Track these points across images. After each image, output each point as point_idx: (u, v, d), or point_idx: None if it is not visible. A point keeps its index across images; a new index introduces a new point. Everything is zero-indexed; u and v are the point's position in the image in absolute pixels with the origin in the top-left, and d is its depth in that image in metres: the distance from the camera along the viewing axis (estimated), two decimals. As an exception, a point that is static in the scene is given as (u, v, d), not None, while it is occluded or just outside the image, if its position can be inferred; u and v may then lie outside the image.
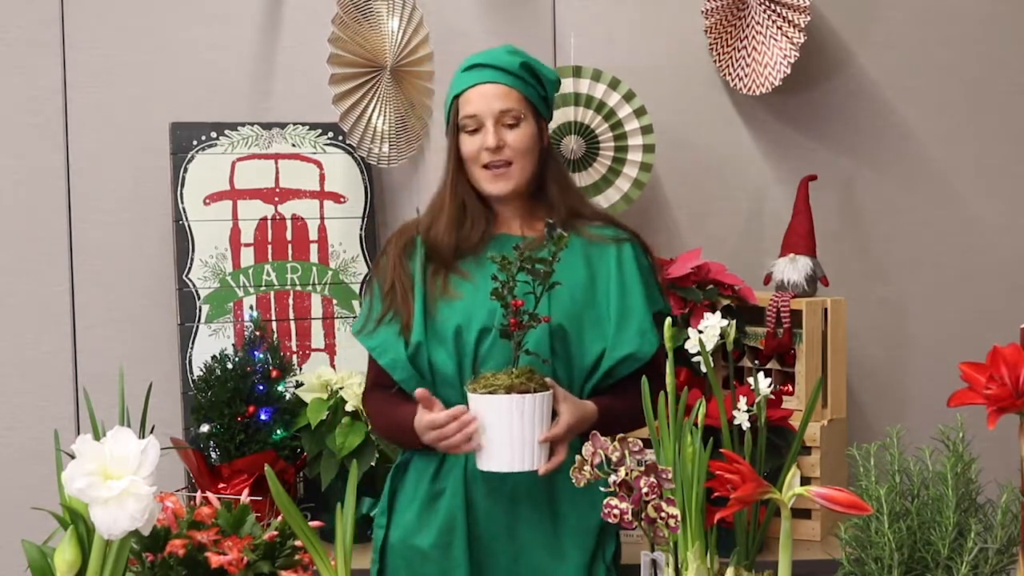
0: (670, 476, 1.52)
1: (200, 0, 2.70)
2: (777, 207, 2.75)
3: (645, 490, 1.50)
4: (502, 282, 1.74)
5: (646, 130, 2.60)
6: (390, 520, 1.98)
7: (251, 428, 2.37)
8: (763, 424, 1.95)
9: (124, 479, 1.26)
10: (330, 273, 2.65)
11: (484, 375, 1.78)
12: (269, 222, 2.62)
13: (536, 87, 1.98)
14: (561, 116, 2.58)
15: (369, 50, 2.54)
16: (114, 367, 2.31)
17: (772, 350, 2.40)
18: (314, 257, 2.64)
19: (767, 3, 2.61)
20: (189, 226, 2.58)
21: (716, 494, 1.42)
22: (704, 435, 1.77)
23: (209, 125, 2.61)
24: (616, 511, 1.50)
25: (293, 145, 2.64)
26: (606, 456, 1.54)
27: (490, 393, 1.74)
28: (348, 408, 2.34)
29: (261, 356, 2.43)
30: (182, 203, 2.58)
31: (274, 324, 2.61)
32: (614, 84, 2.59)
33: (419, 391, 1.83)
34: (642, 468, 1.51)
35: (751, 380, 2.02)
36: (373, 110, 2.56)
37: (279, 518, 1.51)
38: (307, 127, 2.65)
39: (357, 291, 2.65)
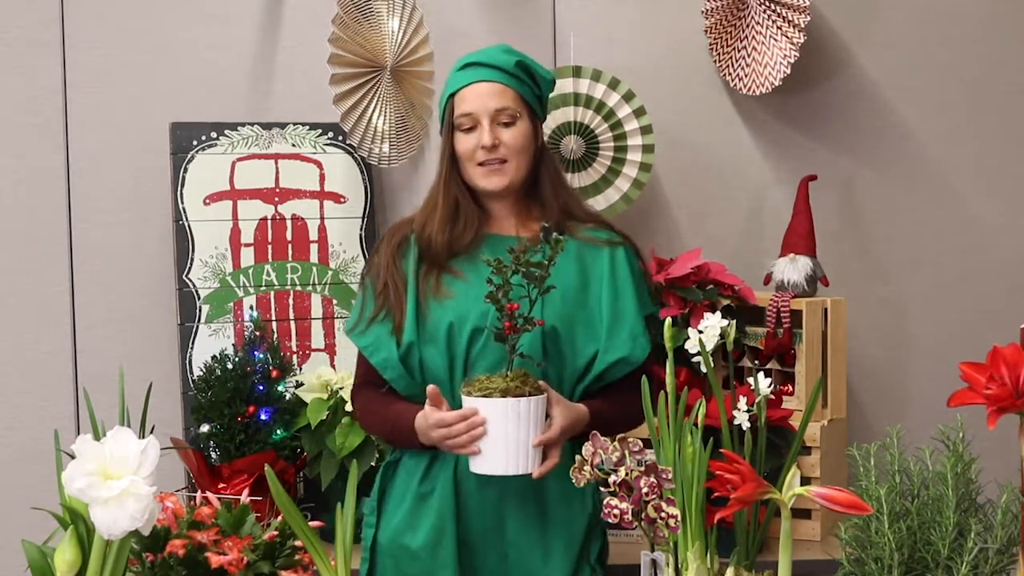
0: (670, 476, 1.52)
1: (200, 0, 2.70)
2: (777, 207, 2.75)
3: (645, 490, 1.50)
4: (497, 285, 1.74)
5: (646, 130, 2.60)
6: (379, 520, 1.98)
7: (251, 428, 2.37)
8: (763, 424, 1.95)
9: (124, 479, 1.26)
10: (330, 273, 2.65)
11: (478, 378, 1.78)
12: (269, 222, 2.62)
13: (532, 86, 1.98)
14: (561, 116, 2.58)
15: (369, 50, 2.54)
16: (114, 367, 2.31)
17: (772, 350, 2.40)
18: (314, 257, 2.65)
19: (767, 3, 2.61)
20: (189, 226, 2.58)
21: (716, 494, 1.42)
22: (704, 435, 1.77)
23: (209, 125, 2.61)
24: (616, 511, 1.51)
25: (293, 145, 2.65)
26: (606, 456, 1.54)
27: (485, 396, 1.73)
28: (348, 408, 2.34)
29: (261, 356, 2.43)
30: (182, 203, 2.58)
31: (274, 324, 2.61)
32: (614, 84, 2.59)
33: (431, 388, 1.82)
34: (642, 468, 1.51)
35: (751, 380, 2.02)
36: (373, 110, 2.56)
37: (279, 518, 1.51)
38: (307, 127, 2.65)
39: (357, 291, 2.65)
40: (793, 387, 2.39)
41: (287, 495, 1.42)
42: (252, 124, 2.63)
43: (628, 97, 2.59)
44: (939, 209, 2.82)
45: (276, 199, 2.63)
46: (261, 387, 2.40)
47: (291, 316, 2.63)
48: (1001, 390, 1.33)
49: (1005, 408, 1.33)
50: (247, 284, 2.60)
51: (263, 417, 2.38)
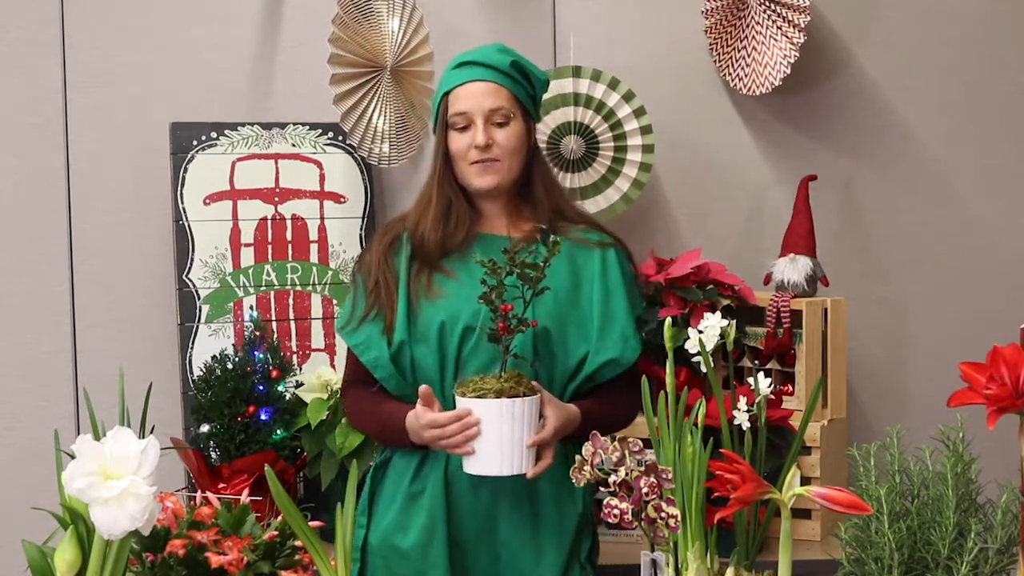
0: (670, 476, 1.52)
1: (200, 0, 2.70)
2: (777, 207, 2.75)
3: (645, 490, 1.50)
4: (491, 286, 1.73)
5: (645, 130, 2.60)
6: (370, 520, 1.98)
7: (251, 428, 2.37)
8: (763, 424, 1.95)
9: (124, 479, 1.26)
10: (330, 273, 2.65)
11: (472, 379, 1.78)
12: (269, 222, 2.62)
13: (526, 86, 1.98)
14: (561, 116, 2.58)
15: (369, 50, 2.54)
16: (114, 367, 2.31)
17: (772, 350, 2.40)
18: (314, 257, 2.65)
19: (767, 3, 2.61)
20: (189, 226, 2.58)
21: (716, 494, 1.42)
22: (704, 435, 1.77)
23: (209, 125, 2.61)
24: (616, 511, 1.51)
25: (293, 145, 2.65)
26: (606, 456, 1.54)
27: (479, 397, 1.73)
28: (348, 408, 2.34)
29: (261, 356, 2.43)
30: (182, 203, 2.58)
31: (274, 324, 2.61)
32: (614, 84, 2.59)
33: (423, 388, 1.82)
34: (642, 468, 1.51)
35: (751, 380, 2.02)
36: (373, 110, 2.56)
37: (279, 518, 1.51)
38: (307, 127, 2.65)
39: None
40: (793, 387, 2.39)
41: (287, 495, 1.42)
42: (252, 124, 2.63)
43: (628, 97, 2.59)
44: (939, 209, 2.82)
45: (276, 199, 2.63)
46: (261, 387, 2.40)
47: (291, 316, 2.63)
48: (1001, 390, 1.33)
49: (1005, 408, 1.33)
50: (247, 284, 2.61)
51: (263, 417, 2.38)
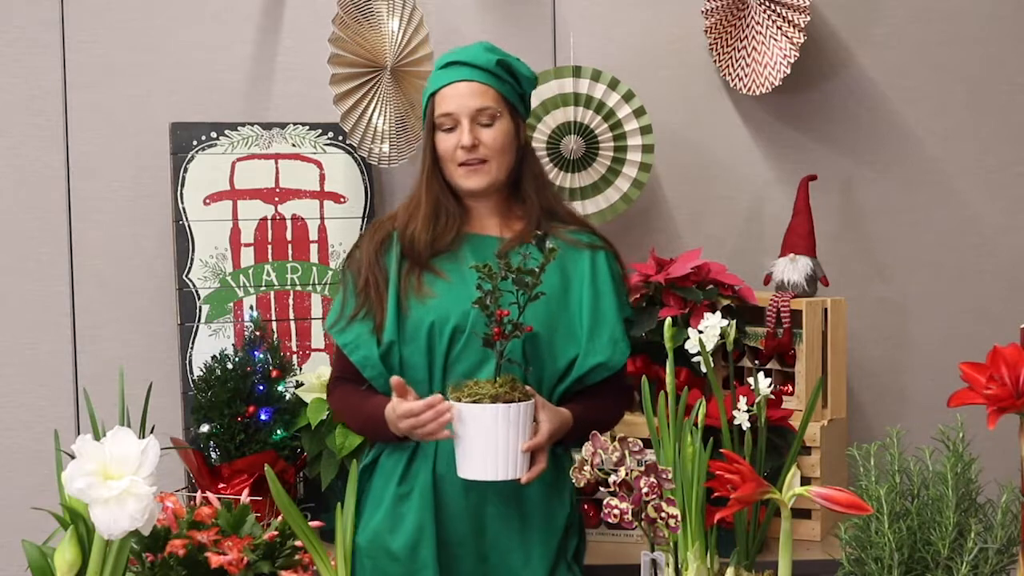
0: (670, 476, 1.52)
1: (200, 0, 2.70)
2: (777, 207, 2.75)
3: (645, 490, 1.50)
4: (486, 291, 1.73)
5: (645, 130, 2.60)
6: (358, 521, 1.97)
7: (251, 428, 2.37)
8: (763, 424, 1.95)
9: (124, 479, 1.26)
10: (330, 273, 2.65)
11: (466, 383, 1.77)
12: (269, 222, 2.62)
13: (513, 85, 1.97)
14: (561, 116, 2.58)
15: (369, 50, 2.54)
16: (114, 367, 2.32)
17: (772, 350, 2.40)
18: (314, 257, 2.65)
19: (767, 3, 2.61)
20: (189, 226, 2.58)
21: (716, 494, 1.42)
22: (704, 435, 1.78)
23: (209, 125, 2.61)
24: (616, 511, 1.51)
25: (293, 145, 2.65)
26: (606, 456, 1.54)
27: (475, 402, 1.73)
28: (348, 408, 2.34)
29: (261, 356, 2.43)
30: (182, 203, 2.58)
31: (274, 324, 2.61)
32: (614, 84, 2.59)
33: (395, 379, 1.81)
34: (642, 468, 1.51)
35: (751, 380, 2.02)
36: (373, 110, 2.56)
37: (279, 518, 1.51)
38: (307, 127, 2.65)
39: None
40: (793, 387, 2.39)
41: (287, 495, 1.42)
42: (252, 124, 2.63)
43: (628, 97, 2.59)
44: (939, 209, 2.82)
45: (276, 199, 2.63)
46: (261, 387, 2.40)
47: (291, 316, 2.63)
48: (1001, 390, 1.33)
49: (1005, 408, 1.33)
50: (247, 284, 2.61)
51: (263, 417, 2.38)
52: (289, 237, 2.63)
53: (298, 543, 1.50)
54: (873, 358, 2.82)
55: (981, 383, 1.35)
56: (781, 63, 2.60)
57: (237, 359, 2.41)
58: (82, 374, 2.69)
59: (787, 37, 2.59)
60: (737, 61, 2.70)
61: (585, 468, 1.56)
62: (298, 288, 2.63)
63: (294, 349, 2.62)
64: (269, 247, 2.62)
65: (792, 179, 2.67)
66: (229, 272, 2.59)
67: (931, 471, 1.60)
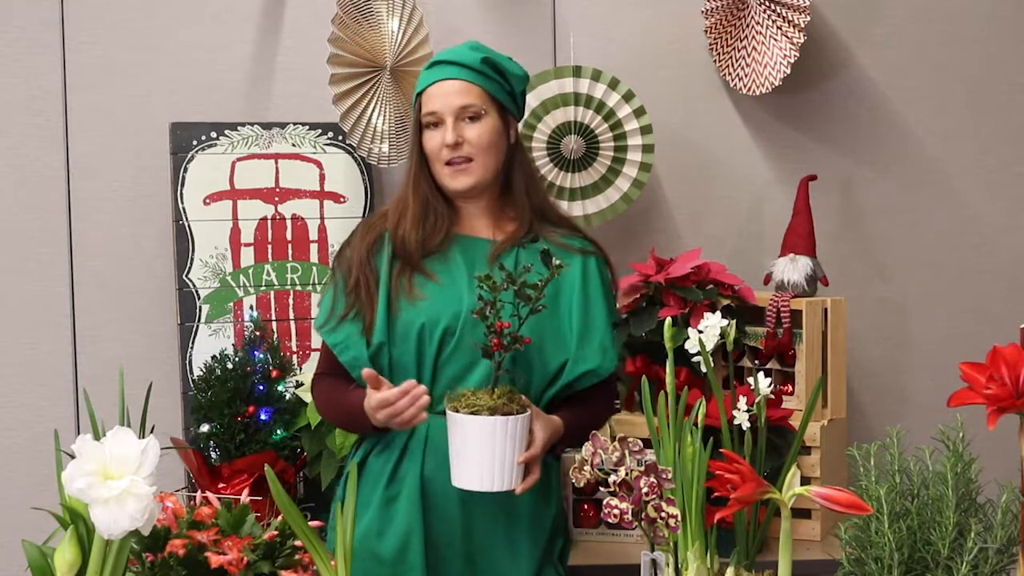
0: (670, 476, 1.52)
1: (200, 0, 2.70)
2: (777, 207, 2.75)
3: (645, 490, 1.50)
4: (486, 302, 1.72)
5: (645, 130, 2.60)
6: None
7: (251, 428, 2.37)
8: (763, 424, 1.95)
9: (124, 479, 1.26)
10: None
11: (464, 393, 1.76)
12: (269, 222, 2.63)
13: (500, 83, 1.96)
14: (561, 116, 2.58)
15: (369, 50, 2.54)
16: (114, 367, 2.32)
17: (772, 350, 2.40)
18: (314, 257, 2.65)
19: (767, 3, 2.61)
20: (189, 226, 2.58)
21: (716, 494, 1.42)
22: (704, 435, 1.77)
23: (209, 125, 2.61)
24: (616, 511, 1.51)
25: (293, 145, 2.65)
26: (606, 456, 1.54)
27: (473, 413, 1.72)
28: (348, 408, 2.34)
29: (261, 356, 2.43)
30: (182, 203, 2.58)
31: (274, 324, 2.61)
32: (614, 84, 2.59)
33: (366, 371, 1.80)
34: (642, 468, 1.51)
35: (751, 380, 2.02)
36: (373, 110, 2.56)
37: (279, 518, 1.50)
38: (307, 127, 2.65)
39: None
40: (793, 387, 2.39)
41: (287, 495, 1.42)
42: (252, 124, 2.63)
43: (628, 97, 2.59)
44: (939, 209, 2.82)
45: (276, 199, 2.63)
46: (261, 387, 2.40)
47: (291, 316, 2.63)
48: (1001, 390, 1.33)
49: (1005, 408, 1.33)
50: (247, 284, 2.61)
51: (263, 417, 2.38)
52: (289, 237, 2.63)
53: (298, 543, 1.50)
54: (873, 358, 2.82)
55: (981, 383, 1.35)
56: (781, 63, 2.60)
57: (237, 359, 2.41)
58: (82, 374, 2.69)
59: (787, 37, 2.59)
60: (737, 61, 2.70)
61: (585, 468, 1.56)
62: (298, 288, 2.63)
63: (294, 349, 2.62)
64: (269, 247, 2.62)
65: (792, 179, 2.67)
66: (229, 272, 2.59)
67: (931, 471, 1.60)
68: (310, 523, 1.46)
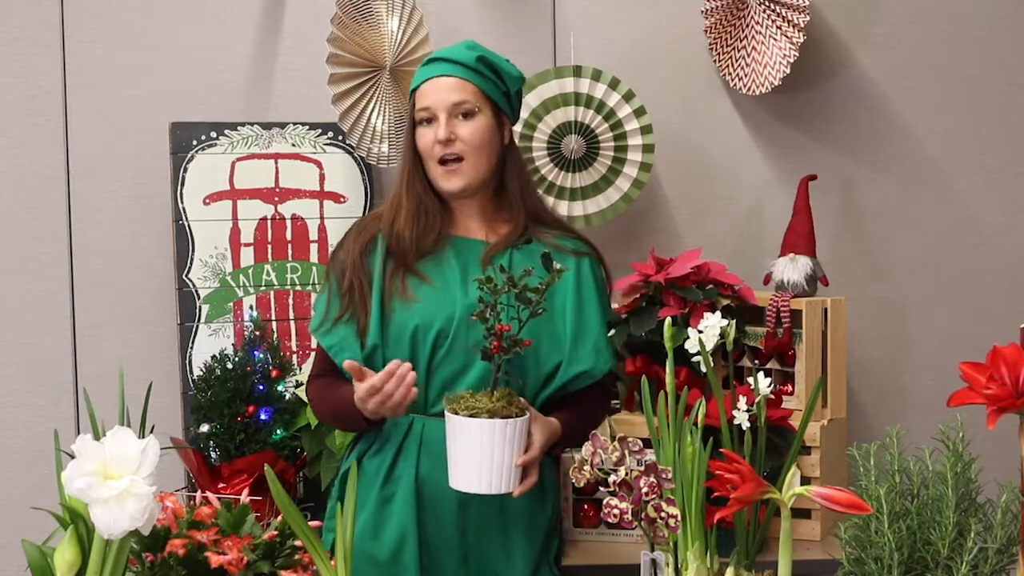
0: (670, 476, 1.52)
1: (200, 0, 2.70)
2: (777, 207, 2.75)
3: (645, 490, 1.50)
4: (487, 304, 1.72)
5: (646, 130, 2.60)
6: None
7: (251, 428, 2.37)
8: (763, 424, 1.95)
9: (124, 479, 1.26)
10: (330, 273, 2.65)
11: (462, 395, 1.75)
12: (269, 222, 2.63)
13: (495, 82, 1.95)
14: (561, 116, 2.58)
15: (368, 50, 2.54)
16: (114, 367, 2.32)
17: (772, 350, 2.40)
18: (314, 257, 2.65)
19: (767, 3, 2.61)
20: (189, 226, 2.58)
21: (716, 494, 1.42)
22: (704, 435, 1.77)
23: (209, 125, 2.61)
24: (616, 511, 1.51)
25: (293, 145, 2.65)
26: (606, 456, 1.54)
27: (472, 416, 1.72)
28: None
29: (261, 356, 2.43)
30: (182, 203, 2.58)
31: (274, 324, 2.61)
32: (614, 84, 2.59)
33: (347, 362, 1.80)
34: (642, 468, 1.51)
35: (751, 380, 2.02)
36: (372, 110, 2.56)
37: (279, 518, 1.50)
38: (307, 127, 2.65)
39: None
40: (793, 387, 2.39)
41: (287, 495, 1.42)
42: (252, 124, 2.64)
43: (628, 97, 2.59)
44: (939, 209, 2.82)
45: (276, 199, 2.63)
46: (261, 387, 2.40)
47: (291, 316, 2.63)
48: (1001, 390, 1.33)
49: (1005, 408, 1.33)
50: (247, 284, 2.61)
51: (263, 417, 2.38)
52: (289, 237, 2.63)
53: (298, 543, 1.50)
54: (873, 358, 2.82)
55: (981, 383, 1.35)
56: (781, 63, 2.60)
57: (237, 359, 2.41)
58: (82, 374, 2.69)
59: (787, 37, 2.59)
60: (737, 61, 2.70)
61: (585, 468, 1.56)
62: (298, 288, 2.63)
63: (294, 349, 2.62)
64: (269, 247, 2.62)
65: (792, 179, 2.67)
66: (229, 272, 2.59)
67: (931, 471, 1.60)
68: (310, 523, 1.46)
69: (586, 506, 2.31)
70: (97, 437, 1.30)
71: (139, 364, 2.61)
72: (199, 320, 2.57)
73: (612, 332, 2.05)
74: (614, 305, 2.23)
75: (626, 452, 1.53)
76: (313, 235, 2.65)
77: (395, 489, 1.90)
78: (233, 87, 2.71)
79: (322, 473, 2.33)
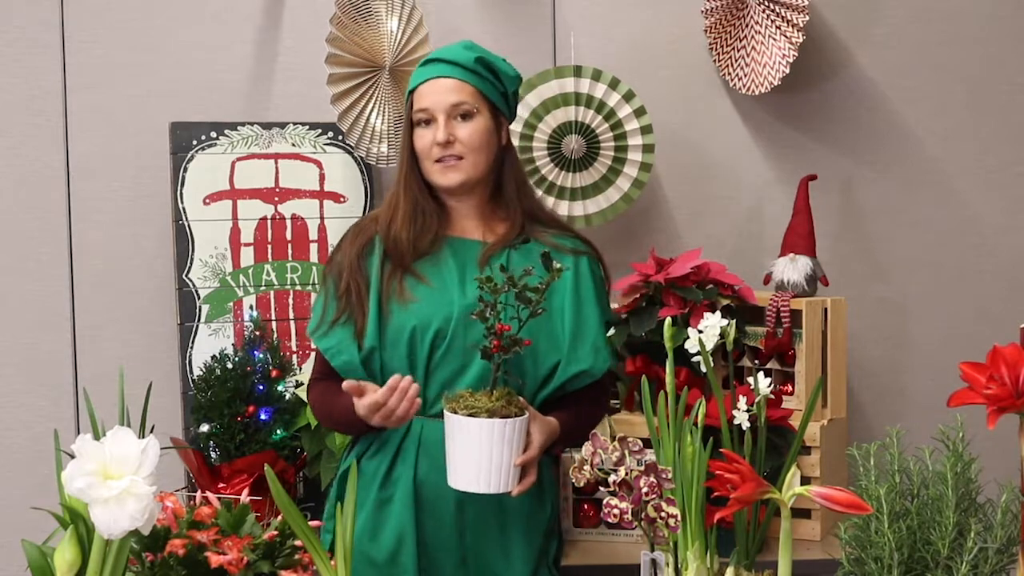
0: (670, 476, 1.52)
1: (200, 0, 2.70)
2: (777, 207, 2.75)
3: (645, 490, 1.50)
4: (487, 303, 1.71)
5: (646, 130, 2.60)
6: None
7: (251, 428, 2.37)
8: (763, 424, 1.95)
9: (124, 479, 1.25)
10: (330, 273, 2.64)
11: (462, 394, 1.75)
12: (269, 222, 2.63)
13: (493, 83, 1.95)
14: (562, 116, 2.58)
15: (368, 50, 2.54)
16: (114, 367, 2.32)
17: (772, 350, 2.40)
18: (314, 257, 2.65)
19: (766, 3, 2.61)
20: (189, 226, 2.58)
21: (716, 494, 1.42)
22: (704, 435, 1.77)
23: (209, 125, 2.61)
24: (616, 511, 1.51)
25: (293, 145, 2.65)
26: (606, 456, 1.54)
27: (471, 415, 1.72)
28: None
29: (261, 356, 2.43)
30: (182, 203, 2.58)
31: (274, 324, 2.61)
32: (614, 84, 2.59)
33: (346, 384, 1.79)
34: (642, 468, 1.51)
35: (751, 380, 2.02)
36: (372, 110, 2.56)
37: (279, 518, 1.50)
38: (307, 127, 2.65)
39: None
40: (793, 387, 2.39)
41: (287, 495, 1.42)
42: (252, 124, 2.64)
43: (628, 97, 2.59)
44: (939, 209, 2.82)
45: (276, 199, 2.63)
46: (261, 387, 2.40)
47: (291, 316, 2.63)
48: (1001, 390, 1.33)
49: (1005, 408, 1.33)
50: (247, 284, 2.61)
51: (263, 417, 2.38)
52: (289, 237, 2.63)
53: (298, 543, 1.50)
54: (873, 358, 2.82)
55: (981, 383, 1.35)
56: (780, 63, 2.60)
57: (237, 359, 2.41)
58: (82, 374, 2.69)
59: (786, 37, 2.59)
60: (736, 61, 2.70)
61: (585, 468, 1.56)
62: (298, 288, 2.63)
63: (294, 349, 2.62)
64: (269, 247, 2.62)
65: (792, 179, 2.67)
66: (229, 272, 2.59)
67: (931, 471, 1.60)
68: (310, 523, 1.46)
69: (586, 506, 2.31)
70: (97, 437, 1.30)
71: (139, 364, 2.61)
72: (199, 320, 2.57)
73: (611, 332, 2.04)
74: (614, 305, 2.23)
75: (626, 452, 1.53)
76: (313, 235, 2.65)
77: (393, 490, 1.90)
78: (233, 87, 2.71)
79: (322, 473, 2.33)
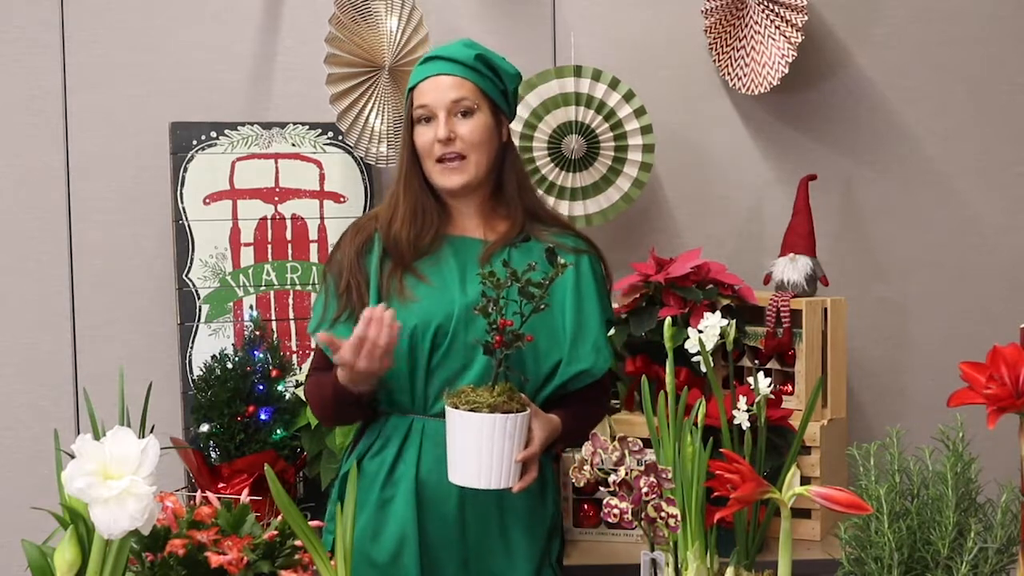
0: (670, 476, 1.52)
1: (200, 0, 2.70)
2: (777, 207, 2.75)
3: (645, 490, 1.50)
4: (489, 299, 1.71)
5: (646, 130, 2.60)
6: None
7: (251, 428, 2.37)
8: (763, 424, 1.95)
9: (124, 479, 1.25)
10: (330, 273, 2.64)
11: (463, 389, 1.74)
12: (269, 222, 2.63)
13: (493, 80, 1.94)
14: (562, 116, 2.58)
15: (367, 50, 2.54)
16: (114, 367, 2.32)
17: (772, 350, 2.40)
18: (314, 257, 2.65)
19: (765, 3, 2.61)
20: (189, 226, 2.58)
21: (716, 494, 1.42)
22: (704, 435, 1.77)
23: (209, 125, 2.62)
24: (616, 511, 1.51)
25: (293, 145, 2.65)
26: (606, 456, 1.54)
27: (472, 410, 1.72)
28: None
29: (261, 356, 2.43)
30: (182, 203, 2.58)
31: (274, 324, 2.61)
32: (614, 84, 2.59)
33: (321, 334, 1.78)
34: (642, 468, 1.51)
35: (751, 380, 2.02)
36: (371, 110, 2.56)
37: (279, 518, 1.50)
38: (307, 127, 2.65)
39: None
40: (793, 387, 2.39)
41: (287, 495, 1.42)
42: (252, 124, 2.64)
43: (628, 97, 2.59)
44: (939, 209, 2.82)
45: (276, 199, 2.63)
46: (261, 387, 2.40)
47: (291, 316, 2.63)
48: (1001, 390, 1.33)
49: (1005, 408, 1.33)
50: (247, 284, 2.61)
51: (263, 417, 2.38)
52: (289, 237, 2.63)
53: (298, 543, 1.50)
54: (873, 358, 2.82)
55: (981, 383, 1.35)
56: (779, 63, 2.60)
57: (237, 359, 2.41)
58: (82, 374, 2.69)
59: (785, 37, 2.59)
60: (736, 61, 2.70)
61: (585, 468, 1.56)
62: (298, 288, 2.63)
63: (294, 349, 2.62)
64: (269, 247, 2.62)
65: (792, 179, 2.67)
66: (229, 272, 2.59)
67: (931, 471, 1.60)
68: (310, 523, 1.45)
69: (586, 506, 2.31)
70: (97, 437, 1.30)
71: (139, 364, 2.61)
72: (199, 320, 2.57)
73: (612, 331, 2.04)
74: (614, 305, 2.23)
75: (626, 452, 1.53)
76: (313, 235, 2.65)
77: (395, 491, 1.89)
78: (233, 87, 2.71)
79: (322, 473, 2.33)
